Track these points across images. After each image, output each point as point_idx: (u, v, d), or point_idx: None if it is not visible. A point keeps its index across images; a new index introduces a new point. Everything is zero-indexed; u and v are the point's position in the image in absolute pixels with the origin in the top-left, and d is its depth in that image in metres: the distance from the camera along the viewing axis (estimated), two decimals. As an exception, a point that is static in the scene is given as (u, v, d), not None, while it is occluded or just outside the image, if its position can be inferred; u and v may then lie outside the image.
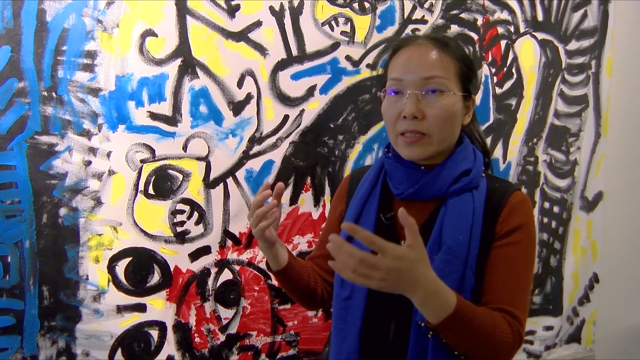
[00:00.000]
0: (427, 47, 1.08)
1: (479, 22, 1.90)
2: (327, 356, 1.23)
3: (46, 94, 1.33)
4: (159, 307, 1.50)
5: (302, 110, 1.64)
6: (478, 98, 1.91)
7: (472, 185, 1.08)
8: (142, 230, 1.47)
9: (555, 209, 2.15)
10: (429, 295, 0.88)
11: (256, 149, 1.59)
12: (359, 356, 1.08)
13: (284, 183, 1.16)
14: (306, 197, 1.67)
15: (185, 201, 1.51)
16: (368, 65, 1.72)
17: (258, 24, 1.56)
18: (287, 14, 1.59)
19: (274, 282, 1.61)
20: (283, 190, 1.13)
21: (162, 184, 1.48)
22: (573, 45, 2.11)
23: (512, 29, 1.97)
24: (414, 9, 1.77)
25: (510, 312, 0.99)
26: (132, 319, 1.47)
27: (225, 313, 1.59)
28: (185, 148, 1.50)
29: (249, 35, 1.55)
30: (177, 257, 1.52)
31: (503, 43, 1.96)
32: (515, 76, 2.00)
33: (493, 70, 1.95)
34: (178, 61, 1.47)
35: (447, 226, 1.04)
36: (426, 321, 0.94)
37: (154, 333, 1.51)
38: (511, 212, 1.06)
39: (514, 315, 0.99)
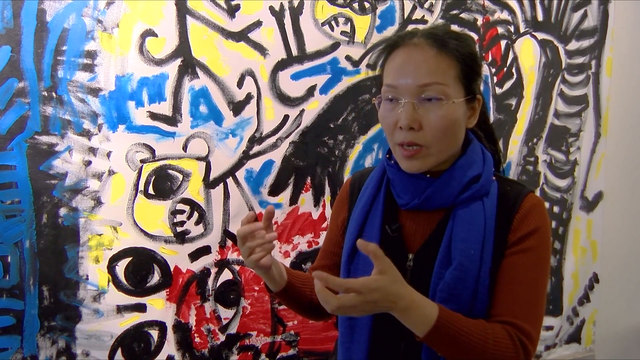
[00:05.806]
0: (423, 49, 0.97)
1: (479, 22, 1.89)
2: None
3: (46, 94, 1.33)
4: (159, 307, 1.50)
5: (302, 110, 1.64)
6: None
7: (482, 192, 1.00)
8: (142, 230, 1.47)
9: (555, 209, 2.15)
10: (405, 311, 0.87)
11: (256, 149, 1.59)
12: None
13: (273, 207, 1.07)
14: (306, 197, 1.67)
15: (185, 201, 1.51)
16: (368, 65, 1.72)
17: (258, 24, 1.56)
18: (287, 14, 1.59)
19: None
20: (273, 213, 1.04)
21: (162, 184, 1.48)
22: (573, 45, 2.10)
23: (512, 29, 1.97)
24: (414, 9, 1.77)
25: (515, 324, 0.92)
26: (132, 319, 1.47)
27: (225, 313, 1.59)
28: (185, 148, 1.50)
29: (249, 35, 1.55)
30: (177, 257, 1.52)
31: (503, 43, 1.95)
32: (515, 76, 2.00)
33: (493, 70, 1.95)
34: (178, 61, 1.47)
35: (457, 240, 0.98)
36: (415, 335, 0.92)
37: (154, 333, 1.51)
38: (524, 218, 0.98)
39: (519, 326, 0.92)
